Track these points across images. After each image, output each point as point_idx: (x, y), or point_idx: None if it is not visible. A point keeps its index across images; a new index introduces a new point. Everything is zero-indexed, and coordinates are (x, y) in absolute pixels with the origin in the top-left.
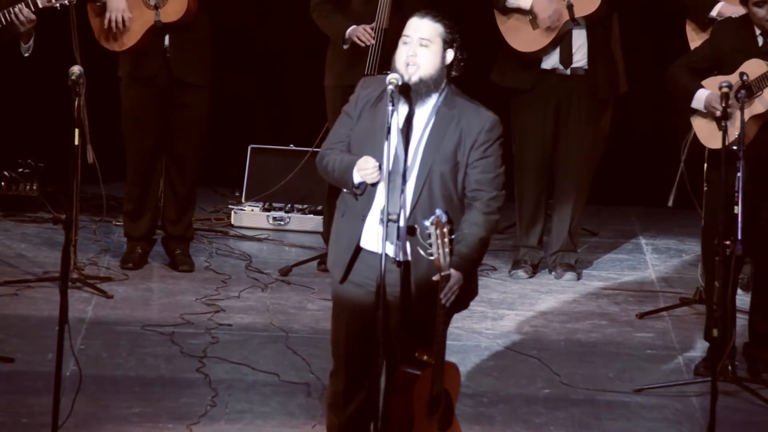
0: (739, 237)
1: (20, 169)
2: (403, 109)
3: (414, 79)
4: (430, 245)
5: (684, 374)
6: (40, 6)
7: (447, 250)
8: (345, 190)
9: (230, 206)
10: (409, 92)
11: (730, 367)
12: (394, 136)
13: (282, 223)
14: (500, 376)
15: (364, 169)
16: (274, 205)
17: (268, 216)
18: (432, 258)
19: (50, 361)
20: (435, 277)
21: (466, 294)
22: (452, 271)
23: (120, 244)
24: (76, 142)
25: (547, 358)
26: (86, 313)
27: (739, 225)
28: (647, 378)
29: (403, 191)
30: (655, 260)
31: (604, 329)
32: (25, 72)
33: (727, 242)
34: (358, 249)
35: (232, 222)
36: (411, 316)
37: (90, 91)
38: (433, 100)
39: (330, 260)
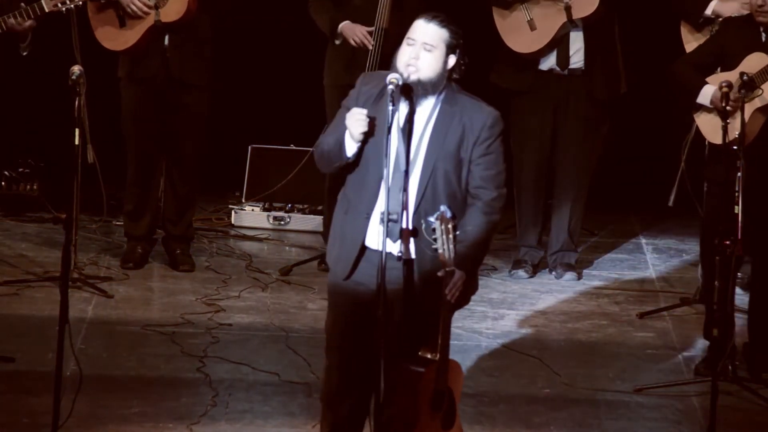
0: (739, 237)
1: (20, 169)
2: (403, 107)
3: (412, 78)
4: (435, 241)
5: (684, 374)
6: (47, 10)
7: (452, 246)
8: (336, 163)
9: (230, 206)
10: (409, 91)
11: (730, 367)
12: (395, 136)
13: (282, 222)
14: (501, 376)
15: (350, 119)
16: (275, 204)
17: (268, 216)
18: (438, 253)
19: (51, 361)
20: (440, 273)
21: (468, 291)
22: (455, 269)
23: (120, 244)
24: (77, 142)
25: (547, 358)
26: (87, 313)
27: (739, 225)
28: (647, 378)
29: (406, 189)
30: (655, 260)
31: (605, 329)
32: (26, 72)
33: (727, 242)
34: (363, 248)
35: (233, 222)
36: (414, 313)
37: (90, 90)
38: (433, 99)
39: (332, 256)
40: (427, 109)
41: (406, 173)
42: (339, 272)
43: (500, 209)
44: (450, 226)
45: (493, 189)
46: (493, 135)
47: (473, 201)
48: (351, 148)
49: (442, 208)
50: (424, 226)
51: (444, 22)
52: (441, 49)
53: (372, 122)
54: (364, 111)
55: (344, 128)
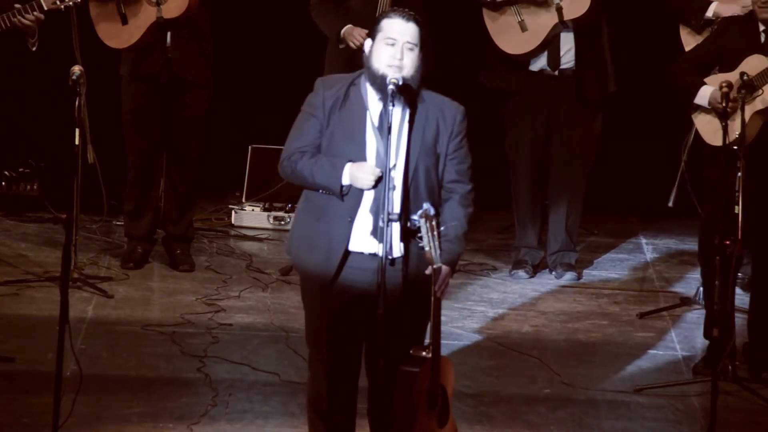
0: (739, 237)
1: (20, 169)
2: (377, 106)
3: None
4: (420, 239)
5: (684, 374)
6: (45, 8)
7: (437, 243)
8: (323, 192)
9: (230, 206)
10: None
11: (730, 367)
12: (389, 135)
13: (282, 222)
14: (500, 376)
15: (361, 173)
16: (275, 204)
17: (268, 216)
18: (425, 251)
19: (51, 361)
20: (427, 271)
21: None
22: (442, 265)
23: (120, 244)
24: (77, 142)
25: (547, 358)
26: (87, 313)
27: (740, 225)
28: (647, 378)
29: (393, 189)
30: (655, 260)
31: (605, 329)
32: (26, 72)
33: (727, 242)
34: (347, 253)
35: (233, 222)
36: (405, 312)
37: (91, 90)
38: (402, 96)
39: (307, 265)
40: (398, 107)
41: (390, 172)
42: (317, 279)
43: (473, 201)
44: (434, 223)
45: (467, 182)
46: (463, 129)
47: (449, 195)
48: (347, 182)
49: (425, 205)
50: (408, 224)
51: (419, 21)
52: (419, 47)
53: (349, 130)
54: (379, 172)
55: (333, 163)
